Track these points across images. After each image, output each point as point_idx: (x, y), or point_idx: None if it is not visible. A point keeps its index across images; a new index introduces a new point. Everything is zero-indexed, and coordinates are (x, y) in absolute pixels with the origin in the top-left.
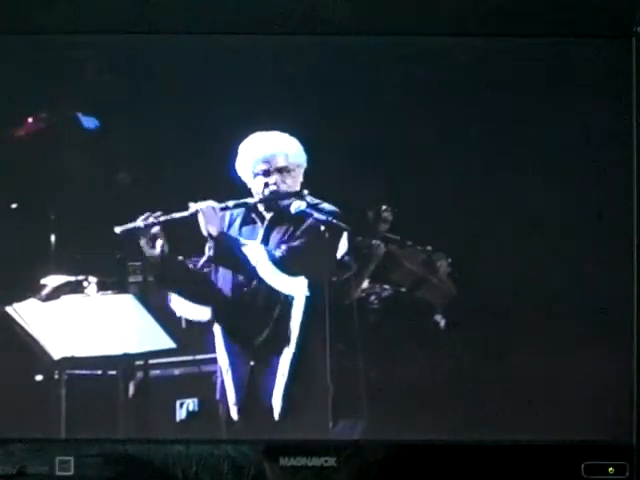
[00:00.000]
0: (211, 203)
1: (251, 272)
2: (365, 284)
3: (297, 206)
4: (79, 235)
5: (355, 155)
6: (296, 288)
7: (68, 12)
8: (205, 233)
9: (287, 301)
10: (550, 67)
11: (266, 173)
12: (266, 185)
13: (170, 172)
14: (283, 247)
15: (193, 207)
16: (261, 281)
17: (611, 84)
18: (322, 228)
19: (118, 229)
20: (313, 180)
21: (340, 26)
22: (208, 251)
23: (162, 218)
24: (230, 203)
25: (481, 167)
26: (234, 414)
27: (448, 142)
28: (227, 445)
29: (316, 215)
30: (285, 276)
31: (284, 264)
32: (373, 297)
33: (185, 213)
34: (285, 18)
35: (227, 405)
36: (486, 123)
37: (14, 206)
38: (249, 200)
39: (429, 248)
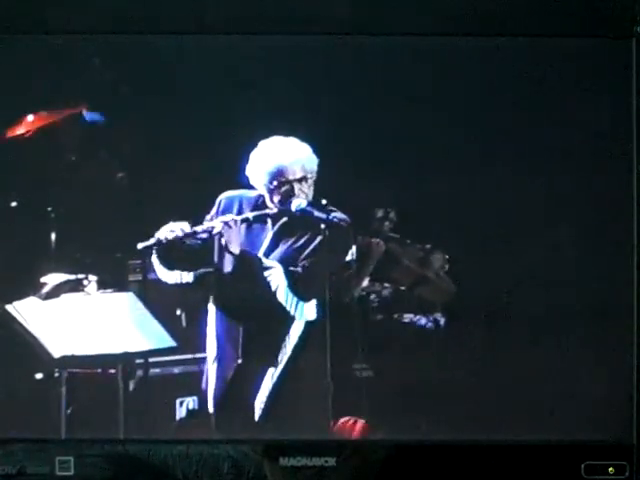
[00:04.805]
0: (232, 216)
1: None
2: (365, 282)
3: (298, 204)
4: (79, 234)
5: (355, 155)
6: (308, 310)
7: (74, 12)
8: (223, 245)
9: (288, 311)
10: (550, 67)
11: (284, 184)
12: (285, 195)
13: (170, 173)
14: (299, 264)
15: (214, 222)
16: (265, 287)
17: (611, 84)
18: (322, 226)
19: (140, 245)
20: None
21: (340, 26)
22: (220, 261)
23: (182, 233)
24: (250, 215)
25: (481, 166)
26: (210, 407)
27: (448, 141)
28: (227, 445)
29: (317, 214)
30: (299, 300)
31: (299, 284)
32: (373, 295)
33: (206, 226)
34: (285, 18)
35: (207, 396)
36: (486, 123)
37: (14, 204)
38: (269, 211)
39: (428, 246)
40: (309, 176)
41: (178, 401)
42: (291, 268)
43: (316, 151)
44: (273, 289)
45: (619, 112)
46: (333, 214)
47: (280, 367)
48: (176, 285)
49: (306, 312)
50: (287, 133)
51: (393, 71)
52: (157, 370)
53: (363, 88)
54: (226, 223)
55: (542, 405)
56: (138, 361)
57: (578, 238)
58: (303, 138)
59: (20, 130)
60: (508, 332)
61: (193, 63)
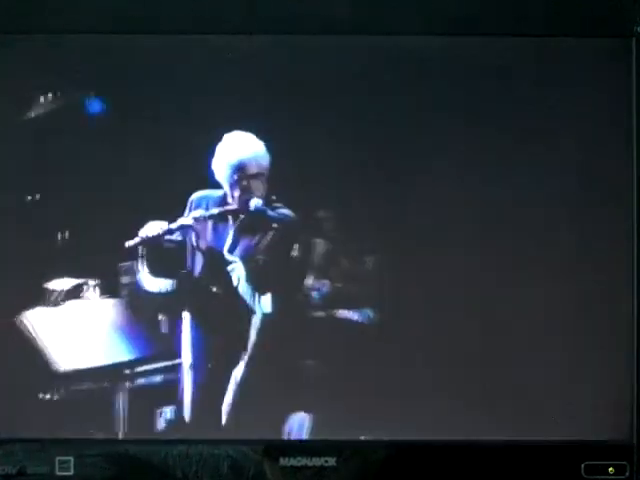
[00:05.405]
0: (201, 212)
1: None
2: (308, 279)
3: (255, 204)
4: (61, 237)
5: (308, 155)
6: (264, 303)
7: (74, 12)
8: (194, 244)
9: (249, 310)
10: (550, 67)
11: (241, 180)
12: (243, 190)
13: (146, 174)
14: (256, 258)
15: (185, 219)
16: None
17: (611, 84)
18: (275, 225)
19: (127, 243)
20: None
21: (341, 26)
22: (192, 262)
23: (162, 230)
24: (215, 211)
25: (480, 166)
26: (186, 413)
27: (447, 141)
28: (227, 445)
29: (268, 211)
30: (257, 294)
31: (256, 278)
32: (315, 292)
33: (179, 223)
34: (284, 18)
35: (182, 403)
36: (485, 123)
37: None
38: (230, 207)
39: (368, 247)
40: (263, 172)
41: (163, 409)
42: (249, 263)
43: (270, 148)
44: (235, 284)
45: (619, 112)
46: (281, 211)
47: (242, 364)
48: (159, 292)
49: (263, 305)
50: (249, 129)
51: (393, 71)
52: (142, 380)
53: (362, 88)
54: (195, 219)
55: (542, 405)
56: (125, 371)
57: (578, 238)
58: (266, 138)
59: (15, 132)
60: (508, 332)
61: (188, 63)
